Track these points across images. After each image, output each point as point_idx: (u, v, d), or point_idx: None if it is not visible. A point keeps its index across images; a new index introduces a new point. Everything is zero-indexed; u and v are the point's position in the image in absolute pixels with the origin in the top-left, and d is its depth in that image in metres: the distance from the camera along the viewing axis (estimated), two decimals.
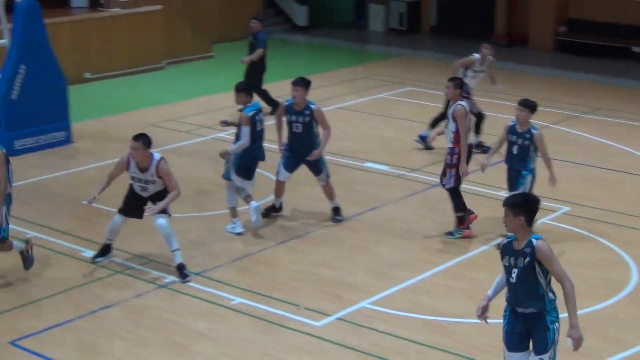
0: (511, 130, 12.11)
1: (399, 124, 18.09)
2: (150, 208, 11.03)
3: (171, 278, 11.15)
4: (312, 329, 10.03)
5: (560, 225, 13.15)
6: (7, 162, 10.60)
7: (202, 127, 17.62)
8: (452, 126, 12.42)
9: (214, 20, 24.90)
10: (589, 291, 10.99)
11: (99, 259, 11.64)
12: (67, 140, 16.50)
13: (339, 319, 10.28)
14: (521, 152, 12.01)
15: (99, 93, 20.33)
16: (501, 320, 7.91)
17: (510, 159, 12.19)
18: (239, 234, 12.58)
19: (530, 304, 7.61)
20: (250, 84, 17.21)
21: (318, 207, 13.63)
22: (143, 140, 10.90)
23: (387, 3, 28.17)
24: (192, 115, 18.54)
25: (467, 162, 12.39)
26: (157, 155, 11.06)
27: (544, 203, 13.65)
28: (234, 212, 12.71)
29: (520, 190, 11.63)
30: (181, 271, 11.18)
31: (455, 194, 12.58)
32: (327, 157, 15.02)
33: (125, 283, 11.05)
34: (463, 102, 12.53)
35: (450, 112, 12.52)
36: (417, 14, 28.05)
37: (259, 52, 18.23)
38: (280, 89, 19.75)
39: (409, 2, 27.84)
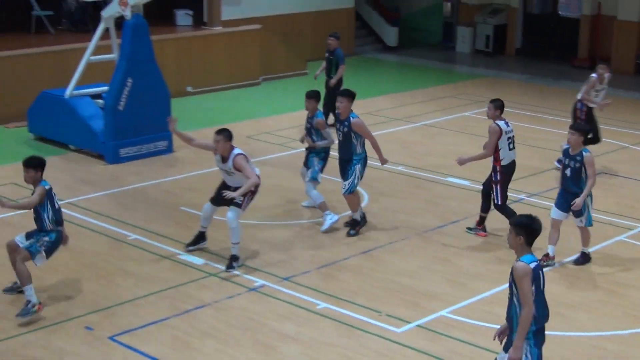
0: (565, 153, 11.91)
1: (481, 142, 17.84)
2: (227, 192, 11.35)
3: (261, 282, 11.23)
4: (393, 334, 10.00)
5: (637, 242, 12.89)
6: (51, 196, 10.33)
7: (294, 140, 17.67)
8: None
9: (309, 39, 25.07)
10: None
11: (191, 248, 12.08)
12: (169, 149, 16.72)
13: (418, 326, 10.22)
14: (574, 175, 11.75)
15: (199, 106, 20.58)
16: (573, 333, 7.77)
17: (564, 181, 11.93)
18: (337, 220, 13.02)
19: (507, 320, 7.83)
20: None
21: (400, 218, 13.60)
22: (224, 134, 11.49)
23: (474, 26, 28.01)
24: (285, 129, 18.65)
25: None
26: (237, 150, 11.49)
27: (621, 221, 13.54)
28: (324, 207, 12.97)
29: (582, 215, 11.72)
30: (231, 262, 11.67)
31: (504, 211, 12.58)
32: (411, 172, 15.04)
33: (218, 285, 11.16)
34: (500, 122, 12.54)
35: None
36: (502, 36, 27.85)
37: (341, 69, 18.22)
38: (370, 106, 19.81)
39: (495, 25, 27.66)
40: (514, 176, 15.07)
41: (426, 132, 18.56)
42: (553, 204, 12.06)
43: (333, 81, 18.25)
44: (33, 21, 21.82)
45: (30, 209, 10.24)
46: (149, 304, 10.63)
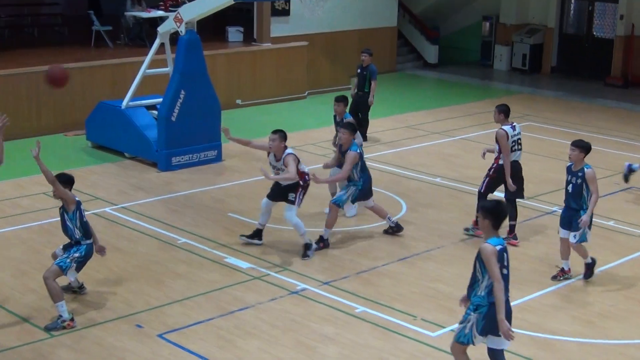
0: (568, 170, 11.60)
1: None
2: (269, 174, 11.96)
3: (303, 286, 11.24)
4: (427, 338, 9.96)
5: None
6: (80, 209, 10.19)
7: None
8: (497, 147, 12.84)
9: (352, 55, 25.02)
10: None
11: (244, 238, 12.53)
12: (218, 158, 16.79)
13: (452, 330, 10.16)
14: (575, 191, 11.43)
15: (247, 118, 20.65)
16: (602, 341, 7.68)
17: (566, 197, 11.63)
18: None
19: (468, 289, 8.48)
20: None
21: (437, 227, 13.55)
22: (280, 134, 12.01)
23: (511, 45, 27.89)
24: (328, 141, 18.63)
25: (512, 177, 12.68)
26: (289, 150, 12.04)
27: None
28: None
29: (578, 232, 11.31)
30: (305, 250, 12.24)
31: (480, 200, 12.64)
32: (449, 183, 15.04)
33: (263, 288, 11.18)
34: (506, 126, 12.71)
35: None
36: (539, 55, 27.71)
37: (374, 84, 18.19)
38: (410, 120, 19.76)
39: (531, 44, 27.52)
40: (546, 189, 15.01)
41: (464, 145, 18.48)
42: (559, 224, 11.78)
43: (371, 99, 18.20)
44: (93, 36, 22.07)
45: None
46: (196, 304, 10.68)
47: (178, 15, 16.20)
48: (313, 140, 18.75)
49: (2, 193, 14.60)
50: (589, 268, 11.64)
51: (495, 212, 8.16)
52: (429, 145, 18.38)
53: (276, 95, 22.46)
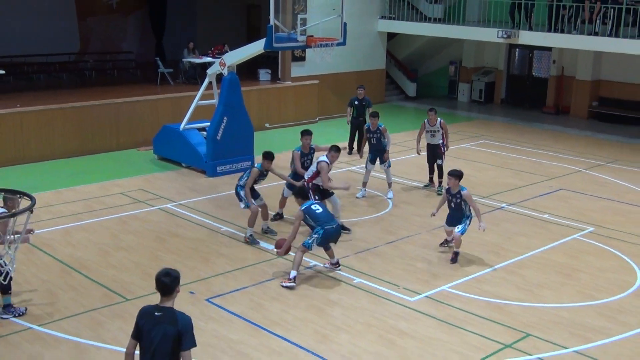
0: (447, 191, 11.31)
1: (476, 166, 17.75)
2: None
3: (313, 262, 11.16)
4: (408, 302, 9.89)
5: (587, 240, 12.61)
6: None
7: (340, 162, 17.66)
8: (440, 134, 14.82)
9: (351, 90, 24.89)
10: (606, 288, 10.53)
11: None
12: (251, 166, 16.72)
13: (426, 297, 10.10)
14: (456, 207, 11.23)
15: (273, 137, 20.60)
16: (544, 305, 7.59)
17: (450, 211, 11.37)
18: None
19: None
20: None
21: (416, 219, 13.47)
22: (307, 133, 12.61)
23: (471, 82, 27.76)
24: None
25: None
26: (322, 157, 12.01)
27: (575, 224, 13.28)
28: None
29: (460, 228, 11.16)
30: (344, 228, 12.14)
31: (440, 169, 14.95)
32: (419, 185, 14.93)
33: (284, 264, 11.10)
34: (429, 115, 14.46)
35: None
36: (492, 90, 27.55)
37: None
38: (395, 139, 19.62)
39: (486, 82, 27.40)
40: (497, 190, 14.93)
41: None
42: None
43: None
44: (159, 76, 22.08)
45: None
46: (234, 276, 10.63)
47: (222, 60, 16.19)
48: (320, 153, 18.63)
49: (89, 193, 14.60)
50: (456, 255, 11.41)
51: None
52: (409, 158, 18.29)
53: (295, 120, 22.38)
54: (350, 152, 18.54)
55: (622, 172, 17.52)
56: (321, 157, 12.15)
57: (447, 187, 11.37)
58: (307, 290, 10.20)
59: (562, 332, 9.16)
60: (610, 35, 20.97)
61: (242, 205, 11.94)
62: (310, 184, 12.23)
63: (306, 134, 12.81)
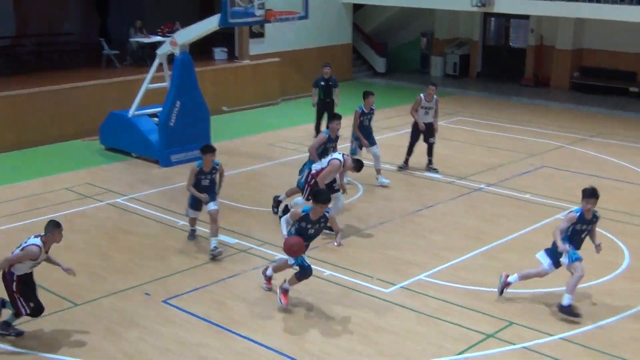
0: (581, 219, 9.43)
1: (451, 144, 17.87)
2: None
3: (280, 255, 11.11)
4: (382, 294, 9.95)
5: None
6: None
7: (305, 146, 17.59)
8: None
9: (315, 68, 24.85)
10: (592, 270, 10.65)
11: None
12: None
13: (402, 287, 10.17)
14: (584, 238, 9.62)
15: (232, 121, 20.53)
16: (526, 290, 7.67)
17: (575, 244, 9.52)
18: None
19: None
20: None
21: (388, 205, 13.53)
22: (337, 117, 12.76)
23: (444, 55, 27.89)
24: (298, 137, 18.61)
25: None
26: (337, 155, 11.82)
27: (558, 203, 13.44)
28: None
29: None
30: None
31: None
32: (396, 169, 14.96)
33: (246, 259, 11.11)
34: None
35: None
36: (466, 63, 27.72)
37: (338, 91, 18.14)
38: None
39: (461, 54, 27.55)
40: (475, 170, 15.08)
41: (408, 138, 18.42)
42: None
43: (338, 102, 18.11)
44: (104, 59, 21.83)
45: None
46: (193, 274, 10.59)
47: (173, 39, 16.06)
48: (285, 138, 18.66)
49: (30, 190, 14.40)
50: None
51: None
52: (380, 138, 18.25)
53: (254, 102, 22.31)
54: (316, 135, 18.52)
55: (606, 146, 17.79)
56: (337, 154, 11.85)
57: (575, 212, 9.44)
58: (274, 286, 10.17)
59: (547, 318, 9.29)
60: (591, 0, 21.18)
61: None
62: (314, 180, 11.72)
63: (336, 118, 12.77)
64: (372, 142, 14.56)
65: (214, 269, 10.74)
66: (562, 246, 9.17)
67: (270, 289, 10.02)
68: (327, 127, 12.90)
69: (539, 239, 11.89)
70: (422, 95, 15.28)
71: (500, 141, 18.17)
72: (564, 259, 9.28)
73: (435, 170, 15.41)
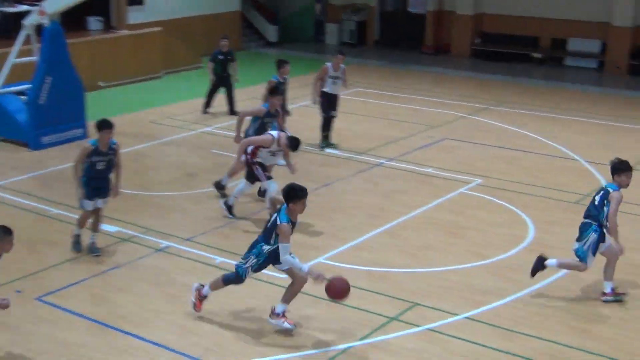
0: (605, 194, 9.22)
1: (349, 118, 17.99)
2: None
3: (166, 243, 11.01)
4: (279, 280, 9.91)
5: (475, 193, 13.13)
6: None
7: (191, 123, 17.45)
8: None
9: (202, 37, 24.65)
10: (497, 244, 11.00)
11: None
12: (83, 135, 16.13)
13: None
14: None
15: (110, 98, 20.06)
16: (430, 269, 7.81)
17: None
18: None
19: None
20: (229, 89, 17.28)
21: (283, 185, 13.50)
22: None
23: (340, 22, 28.03)
24: (184, 114, 18.34)
25: None
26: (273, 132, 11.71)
27: (461, 177, 13.76)
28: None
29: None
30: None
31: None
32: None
33: (130, 248, 10.90)
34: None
35: None
36: (364, 30, 27.98)
37: (236, 65, 18.14)
38: (257, 92, 19.57)
39: (357, 21, 27.76)
40: (374, 144, 15.25)
41: (303, 111, 18.46)
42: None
43: (237, 77, 18.24)
44: None
45: None
46: (70, 268, 10.30)
47: (41, 8, 15.57)
48: (169, 115, 18.37)
49: None
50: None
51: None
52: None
53: (135, 76, 21.86)
54: (205, 111, 18.29)
55: (508, 115, 18.32)
56: (273, 131, 11.84)
57: (614, 189, 9.10)
58: (160, 277, 10.04)
59: (452, 297, 9.51)
60: None
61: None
62: (252, 159, 11.66)
63: (277, 93, 12.85)
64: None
65: (94, 262, 10.47)
66: (621, 246, 9.09)
67: (199, 311, 9.12)
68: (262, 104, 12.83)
69: (441, 214, 12.16)
70: (328, 64, 15.31)
71: (400, 113, 18.44)
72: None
73: (332, 146, 15.50)
